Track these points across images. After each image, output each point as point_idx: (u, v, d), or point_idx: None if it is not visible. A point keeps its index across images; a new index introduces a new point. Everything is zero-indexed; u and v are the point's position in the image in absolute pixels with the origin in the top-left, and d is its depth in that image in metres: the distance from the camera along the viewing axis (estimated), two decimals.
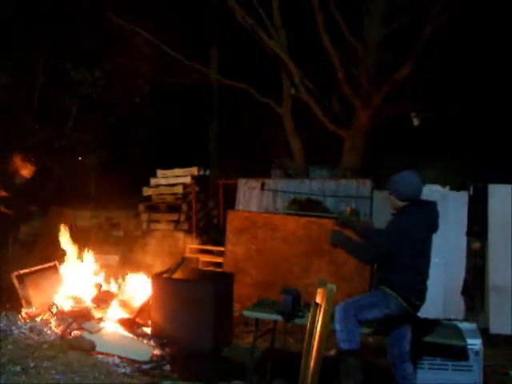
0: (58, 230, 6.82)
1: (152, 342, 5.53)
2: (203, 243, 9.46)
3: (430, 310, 4.42)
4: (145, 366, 5.11)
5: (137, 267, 7.11)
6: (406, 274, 4.09)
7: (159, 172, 9.82)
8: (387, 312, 4.11)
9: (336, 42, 9.41)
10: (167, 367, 5.15)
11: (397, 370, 4.23)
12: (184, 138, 12.63)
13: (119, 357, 5.17)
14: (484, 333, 5.68)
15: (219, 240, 8.83)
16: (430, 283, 4.30)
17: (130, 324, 5.84)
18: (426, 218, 4.19)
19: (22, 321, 5.69)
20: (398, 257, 4.08)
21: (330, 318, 3.36)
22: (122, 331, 5.68)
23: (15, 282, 6.02)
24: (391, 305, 4.09)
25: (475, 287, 7.09)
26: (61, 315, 5.83)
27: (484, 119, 10.12)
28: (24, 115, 10.11)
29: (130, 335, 5.62)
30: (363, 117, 9.48)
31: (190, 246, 9.05)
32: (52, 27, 9.89)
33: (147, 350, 5.36)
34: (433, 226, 4.24)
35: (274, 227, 7.53)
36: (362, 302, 4.20)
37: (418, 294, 4.17)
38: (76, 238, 6.99)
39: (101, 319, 5.82)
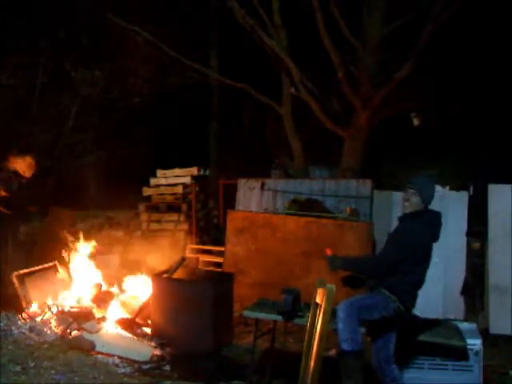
0: (57, 230, 6.83)
1: (152, 342, 5.53)
2: (203, 243, 9.46)
3: (429, 309, 4.41)
4: (145, 366, 5.11)
5: (137, 267, 7.11)
6: (404, 279, 4.13)
7: (159, 172, 9.82)
8: (384, 315, 4.14)
9: (336, 41, 9.40)
10: (167, 367, 5.16)
11: (384, 372, 4.24)
12: (184, 137, 12.62)
13: (119, 357, 5.18)
14: (484, 333, 5.68)
15: (219, 240, 8.82)
16: (430, 283, 4.33)
17: (129, 324, 5.84)
18: (431, 227, 4.24)
19: (22, 321, 5.71)
20: (402, 263, 4.11)
21: (329, 318, 3.35)
22: (122, 331, 5.68)
23: (15, 282, 6.02)
24: (389, 308, 4.12)
25: (475, 287, 7.09)
26: (61, 315, 5.85)
27: (484, 119, 10.12)
28: (24, 115, 10.10)
29: (130, 335, 5.63)
30: (363, 117, 9.46)
31: (190, 245, 9.05)
32: (52, 27, 9.88)
33: (147, 350, 5.37)
34: (435, 236, 4.29)
35: (274, 227, 7.53)
36: (363, 302, 4.20)
37: (413, 299, 4.23)
38: (76, 238, 6.99)
39: (101, 319, 5.83)
